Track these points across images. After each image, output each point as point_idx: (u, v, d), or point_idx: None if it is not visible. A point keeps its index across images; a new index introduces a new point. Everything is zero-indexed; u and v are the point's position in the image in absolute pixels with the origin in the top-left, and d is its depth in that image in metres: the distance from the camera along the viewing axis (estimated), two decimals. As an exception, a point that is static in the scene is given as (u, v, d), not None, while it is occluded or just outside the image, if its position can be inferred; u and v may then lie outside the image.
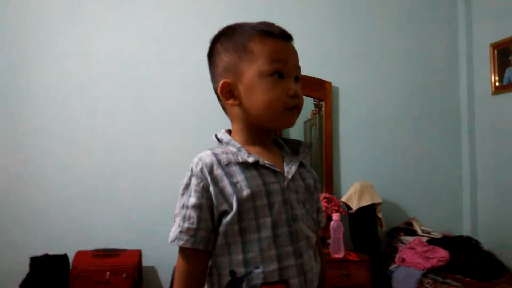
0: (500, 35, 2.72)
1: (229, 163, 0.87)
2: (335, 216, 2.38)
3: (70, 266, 2.33)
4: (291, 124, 0.91)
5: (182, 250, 0.88)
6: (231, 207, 0.84)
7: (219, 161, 0.87)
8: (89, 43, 2.58)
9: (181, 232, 0.86)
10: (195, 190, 0.85)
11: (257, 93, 0.88)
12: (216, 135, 0.95)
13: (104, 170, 2.54)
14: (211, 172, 0.85)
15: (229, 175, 0.85)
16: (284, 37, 0.91)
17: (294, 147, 0.99)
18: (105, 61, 2.59)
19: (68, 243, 2.43)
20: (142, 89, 2.62)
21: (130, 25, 2.63)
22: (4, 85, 2.49)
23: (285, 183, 0.88)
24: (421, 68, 2.98)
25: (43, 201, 2.47)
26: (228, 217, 0.84)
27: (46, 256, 2.33)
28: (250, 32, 0.90)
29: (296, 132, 2.91)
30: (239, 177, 0.85)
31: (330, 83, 2.80)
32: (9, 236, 2.45)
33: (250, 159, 0.87)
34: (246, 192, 0.84)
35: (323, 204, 2.48)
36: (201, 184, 0.85)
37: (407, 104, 2.94)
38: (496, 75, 2.76)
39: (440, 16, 3.03)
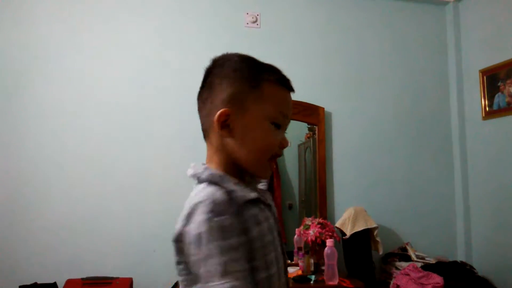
0: (489, 62, 2.78)
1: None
2: (329, 242, 2.36)
3: (60, 295, 2.28)
4: (270, 173, 0.90)
5: None
6: None
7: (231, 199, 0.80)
8: (84, 70, 2.59)
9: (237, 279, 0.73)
10: (232, 231, 0.76)
11: (255, 133, 0.85)
12: (210, 173, 0.85)
13: (95, 197, 2.51)
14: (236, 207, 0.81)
15: (243, 214, 0.81)
16: (291, 89, 0.91)
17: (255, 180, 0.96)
18: (100, 88, 2.59)
19: (58, 271, 2.38)
20: (136, 115, 2.62)
21: (124, 53, 2.65)
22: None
23: (275, 218, 0.90)
24: (412, 94, 3.02)
25: (32, 228, 2.43)
26: None
27: (35, 285, 2.28)
28: (266, 74, 0.88)
29: (290, 155, 2.92)
30: (246, 215, 0.80)
31: (323, 108, 2.83)
32: (-3, 264, 2.40)
33: (252, 195, 0.83)
34: (255, 230, 0.80)
35: (317, 229, 2.46)
36: (227, 221, 0.76)
37: (399, 129, 2.97)
38: (486, 100, 2.80)
39: (431, 43, 3.10)
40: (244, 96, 0.85)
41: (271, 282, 0.80)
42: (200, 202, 0.76)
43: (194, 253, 0.74)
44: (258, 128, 0.85)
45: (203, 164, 0.89)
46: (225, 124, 0.85)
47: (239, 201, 0.79)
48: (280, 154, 0.90)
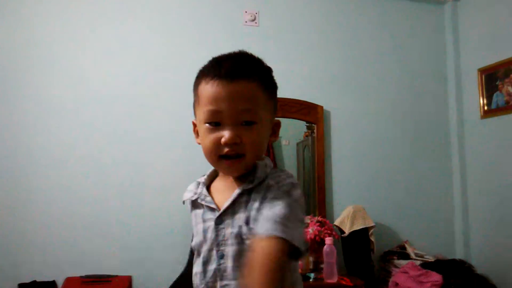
0: (488, 61, 2.79)
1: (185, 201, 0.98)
2: (328, 240, 2.36)
3: (59, 293, 2.28)
4: (231, 172, 0.89)
5: None
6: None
7: None
8: (82, 67, 2.58)
9: None
10: None
11: (200, 137, 0.90)
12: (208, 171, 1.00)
13: (94, 195, 2.51)
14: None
15: (192, 212, 0.97)
16: (229, 76, 0.83)
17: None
18: (98, 85, 2.58)
19: (57, 269, 2.37)
20: (134, 113, 2.61)
21: (122, 50, 2.64)
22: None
23: (215, 219, 0.87)
24: (411, 92, 3.03)
25: (31, 227, 2.42)
26: None
27: (34, 283, 2.28)
28: (200, 73, 0.89)
29: (288, 153, 2.92)
30: (192, 215, 0.95)
31: (322, 107, 2.83)
32: (-4, 262, 2.39)
33: (187, 196, 0.95)
34: (194, 228, 0.93)
35: (316, 227, 2.46)
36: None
37: (398, 128, 2.97)
38: (485, 99, 2.81)
39: (429, 42, 3.10)
40: (194, 104, 0.92)
41: (198, 279, 0.88)
42: None
43: None
44: (200, 131, 0.90)
45: None
46: (197, 133, 0.94)
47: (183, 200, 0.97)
48: (229, 152, 0.85)
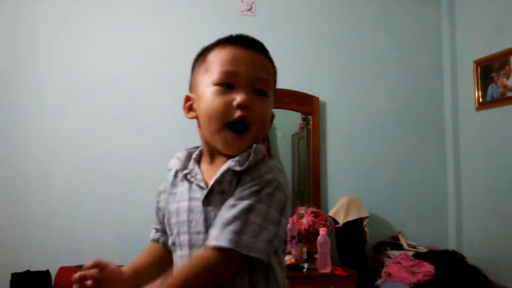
0: (483, 52, 2.78)
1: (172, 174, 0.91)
2: (322, 231, 2.37)
3: (53, 283, 2.28)
4: (231, 146, 0.81)
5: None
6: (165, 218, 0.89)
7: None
8: (79, 58, 2.56)
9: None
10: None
11: (202, 103, 0.82)
12: (185, 149, 0.95)
13: (90, 185, 2.51)
14: (168, 179, 0.90)
15: (173, 185, 0.88)
16: (247, 45, 0.84)
17: None
18: (95, 75, 2.57)
19: (51, 259, 2.37)
20: (131, 104, 2.60)
21: (120, 40, 2.62)
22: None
23: (203, 200, 0.81)
24: (407, 84, 3.02)
25: (25, 216, 2.42)
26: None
27: (27, 273, 2.27)
28: (214, 44, 0.86)
29: (284, 145, 2.92)
30: (174, 190, 0.87)
31: (318, 98, 2.82)
32: (-11, 252, 2.39)
33: (185, 171, 0.86)
34: (173, 205, 0.85)
35: (310, 218, 2.47)
36: (159, 188, 0.93)
37: (393, 119, 2.97)
38: (480, 91, 2.81)
39: (425, 33, 3.09)
40: (196, 75, 0.87)
41: (181, 263, 0.83)
42: None
43: None
44: (205, 95, 0.82)
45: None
46: (189, 107, 0.88)
47: (170, 175, 0.90)
48: (237, 117, 0.79)
